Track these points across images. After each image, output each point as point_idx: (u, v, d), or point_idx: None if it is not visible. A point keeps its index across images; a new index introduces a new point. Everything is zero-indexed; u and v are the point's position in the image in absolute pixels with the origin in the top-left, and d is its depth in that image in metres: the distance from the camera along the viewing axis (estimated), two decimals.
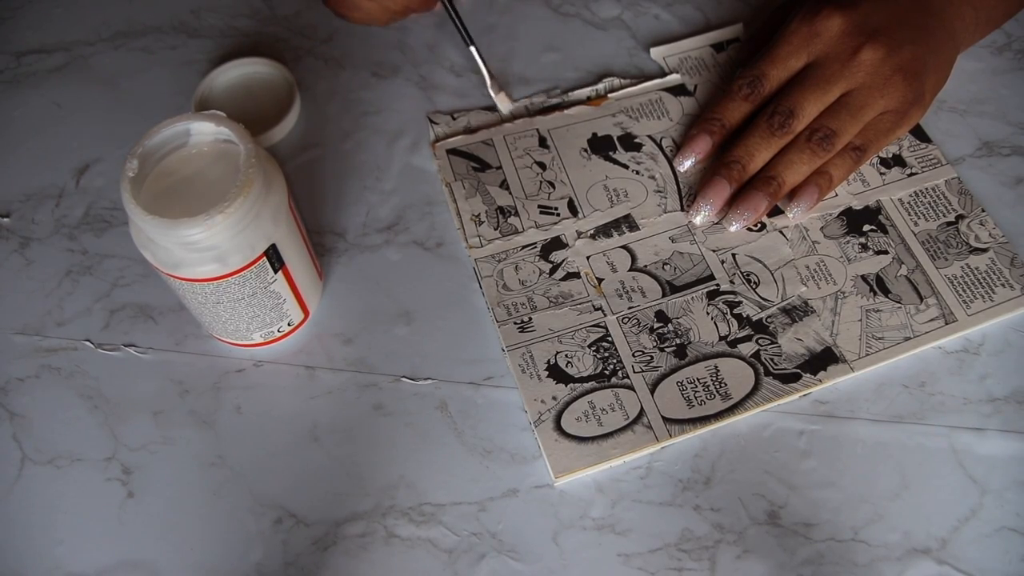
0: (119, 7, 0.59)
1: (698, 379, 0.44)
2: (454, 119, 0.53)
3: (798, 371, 0.44)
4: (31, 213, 0.51)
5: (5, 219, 0.51)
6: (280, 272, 0.41)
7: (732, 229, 0.48)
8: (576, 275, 0.47)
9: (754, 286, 0.46)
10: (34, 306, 0.48)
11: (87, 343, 0.46)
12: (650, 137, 0.52)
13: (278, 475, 0.42)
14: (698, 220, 0.48)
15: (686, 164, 0.50)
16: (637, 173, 0.50)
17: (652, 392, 0.43)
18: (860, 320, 0.45)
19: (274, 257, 0.40)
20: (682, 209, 0.49)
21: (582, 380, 0.44)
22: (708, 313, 0.46)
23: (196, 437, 0.43)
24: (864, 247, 0.47)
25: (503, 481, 0.42)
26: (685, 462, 0.42)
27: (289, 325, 0.45)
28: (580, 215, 0.49)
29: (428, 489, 0.42)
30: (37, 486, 0.43)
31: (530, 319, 0.46)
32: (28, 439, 0.44)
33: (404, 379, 0.45)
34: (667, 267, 0.47)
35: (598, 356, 0.45)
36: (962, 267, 0.46)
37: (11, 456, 0.43)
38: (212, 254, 0.38)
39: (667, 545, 0.40)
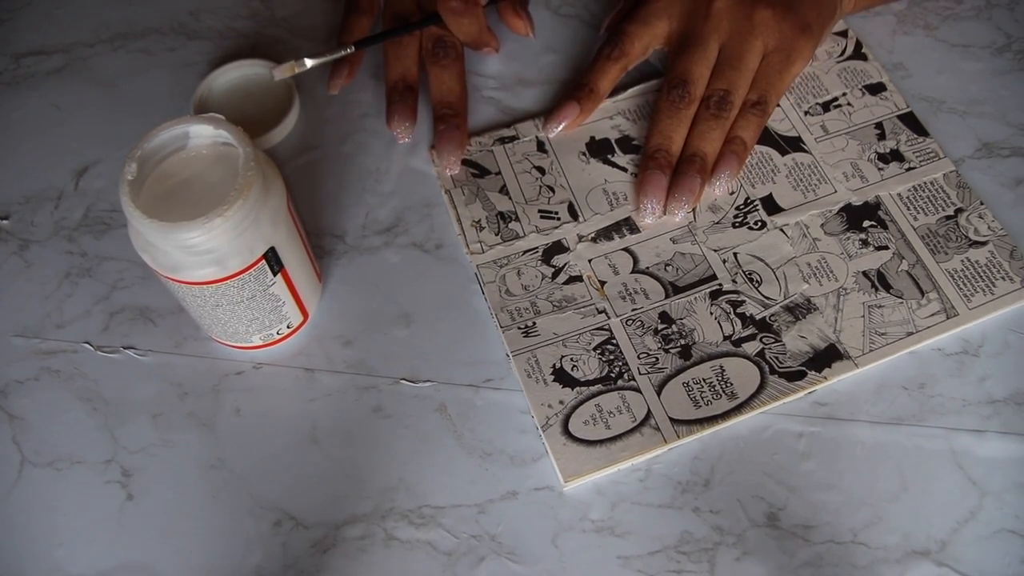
0: (118, 9, 0.59)
1: (704, 379, 0.44)
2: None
3: (803, 369, 0.44)
4: (30, 215, 0.51)
5: (4, 221, 0.51)
6: (279, 275, 0.41)
7: (678, 218, 0.48)
8: (578, 279, 0.47)
9: (756, 285, 0.46)
10: (33, 308, 0.48)
11: (86, 345, 0.46)
12: None
13: (277, 477, 0.42)
14: (649, 220, 0.48)
15: (554, 131, 0.51)
16: (636, 176, 0.50)
17: (658, 394, 0.43)
18: (863, 316, 0.45)
19: (273, 260, 0.40)
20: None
21: (588, 383, 0.44)
22: (711, 313, 0.46)
23: (195, 439, 0.43)
24: (864, 243, 0.47)
25: (502, 483, 0.42)
26: (684, 464, 0.42)
27: (288, 327, 0.45)
28: (581, 219, 0.49)
29: (427, 491, 0.42)
30: (37, 488, 0.43)
31: (534, 324, 0.46)
32: (28, 441, 0.44)
33: (403, 381, 0.45)
34: (669, 268, 0.47)
35: (603, 359, 0.44)
36: (962, 261, 0.46)
37: (11, 458, 0.43)
38: (211, 257, 0.38)
39: (666, 547, 0.40)
